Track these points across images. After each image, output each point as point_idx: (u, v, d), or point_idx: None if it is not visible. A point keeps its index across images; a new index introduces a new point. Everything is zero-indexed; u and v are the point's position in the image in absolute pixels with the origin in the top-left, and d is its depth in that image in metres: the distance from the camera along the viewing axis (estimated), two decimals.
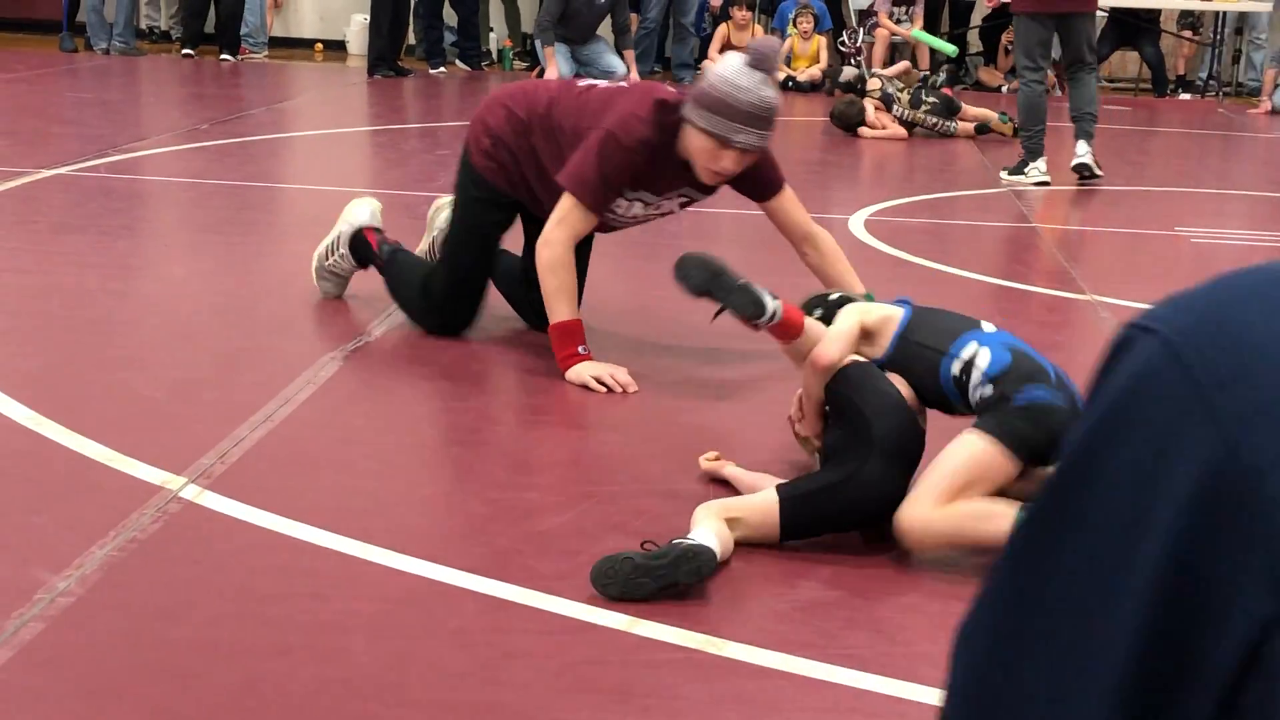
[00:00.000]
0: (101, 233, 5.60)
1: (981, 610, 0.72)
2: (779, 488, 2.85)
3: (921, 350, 2.99)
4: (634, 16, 13.14)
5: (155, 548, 2.75)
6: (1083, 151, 7.71)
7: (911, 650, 2.46)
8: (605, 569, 2.56)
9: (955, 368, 2.93)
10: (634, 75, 12.81)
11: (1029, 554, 0.69)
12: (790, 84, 12.93)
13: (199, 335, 4.25)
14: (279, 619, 2.49)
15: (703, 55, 13.55)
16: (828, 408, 3.01)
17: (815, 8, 13.20)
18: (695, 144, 3.80)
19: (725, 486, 3.12)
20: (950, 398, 2.95)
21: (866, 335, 3.06)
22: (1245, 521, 0.60)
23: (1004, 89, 12.91)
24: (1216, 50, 13.63)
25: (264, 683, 2.27)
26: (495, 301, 4.43)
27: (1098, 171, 7.71)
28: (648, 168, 3.91)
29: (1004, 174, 7.95)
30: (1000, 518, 2.66)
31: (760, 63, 3.70)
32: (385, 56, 12.42)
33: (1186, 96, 13.40)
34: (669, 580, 2.55)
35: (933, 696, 2.30)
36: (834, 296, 3.34)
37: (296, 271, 5.21)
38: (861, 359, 3.00)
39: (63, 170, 6.86)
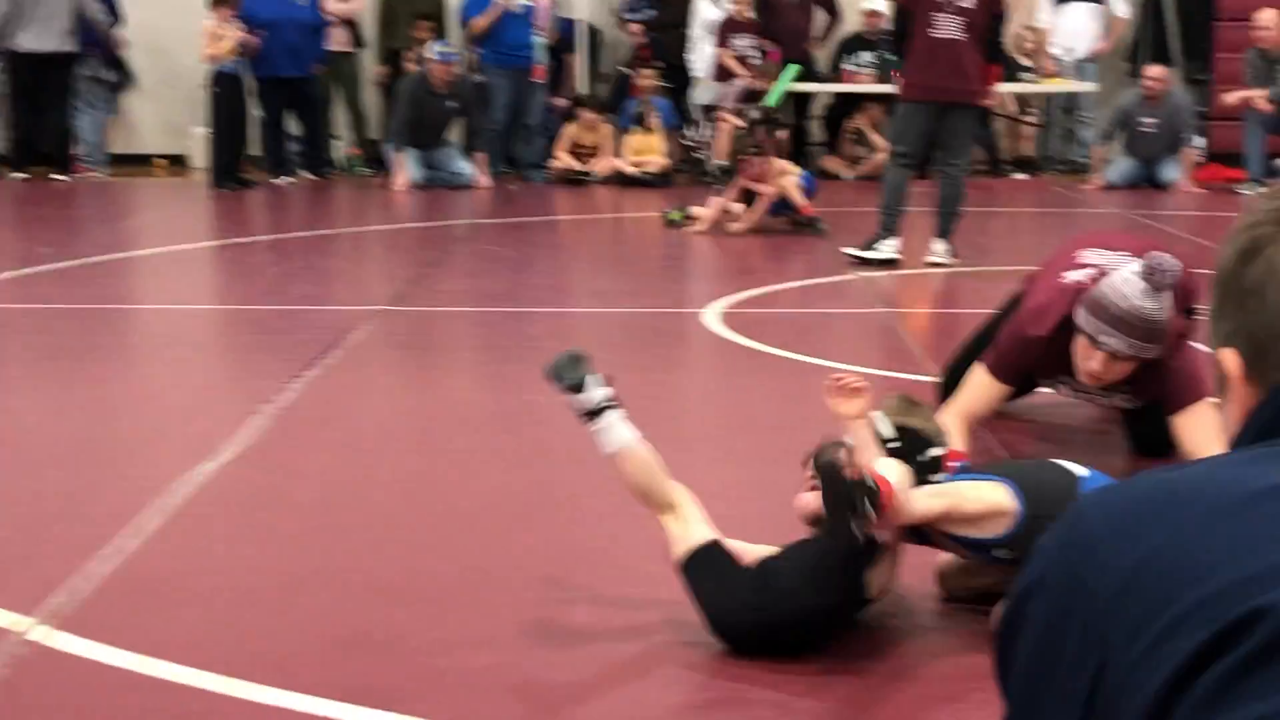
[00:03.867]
0: None
1: None
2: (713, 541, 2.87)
3: (1041, 471, 3.01)
4: None
5: (5, 695, 2.62)
6: (940, 250, 7.82)
7: None
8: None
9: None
10: (484, 178, 12.84)
11: None
12: (642, 178, 13.03)
13: (44, 467, 4.12)
14: None
15: (549, 155, 13.62)
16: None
17: (658, 105, 13.36)
18: (1076, 342, 3.79)
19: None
20: None
21: (969, 519, 2.85)
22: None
23: (847, 176, 13.15)
24: (1047, 131, 14.04)
25: None
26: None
27: (949, 261, 7.84)
28: (1045, 360, 3.98)
29: (849, 250, 7.92)
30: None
31: (1151, 275, 3.58)
32: (228, 169, 12.30)
33: (1021, 176, 13.77)
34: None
35: None
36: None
37: (145, 395, 5.10)
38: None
39: None
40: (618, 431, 2.95)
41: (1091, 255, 4.15)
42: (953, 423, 3.82)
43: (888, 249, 7.83)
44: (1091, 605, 0.96)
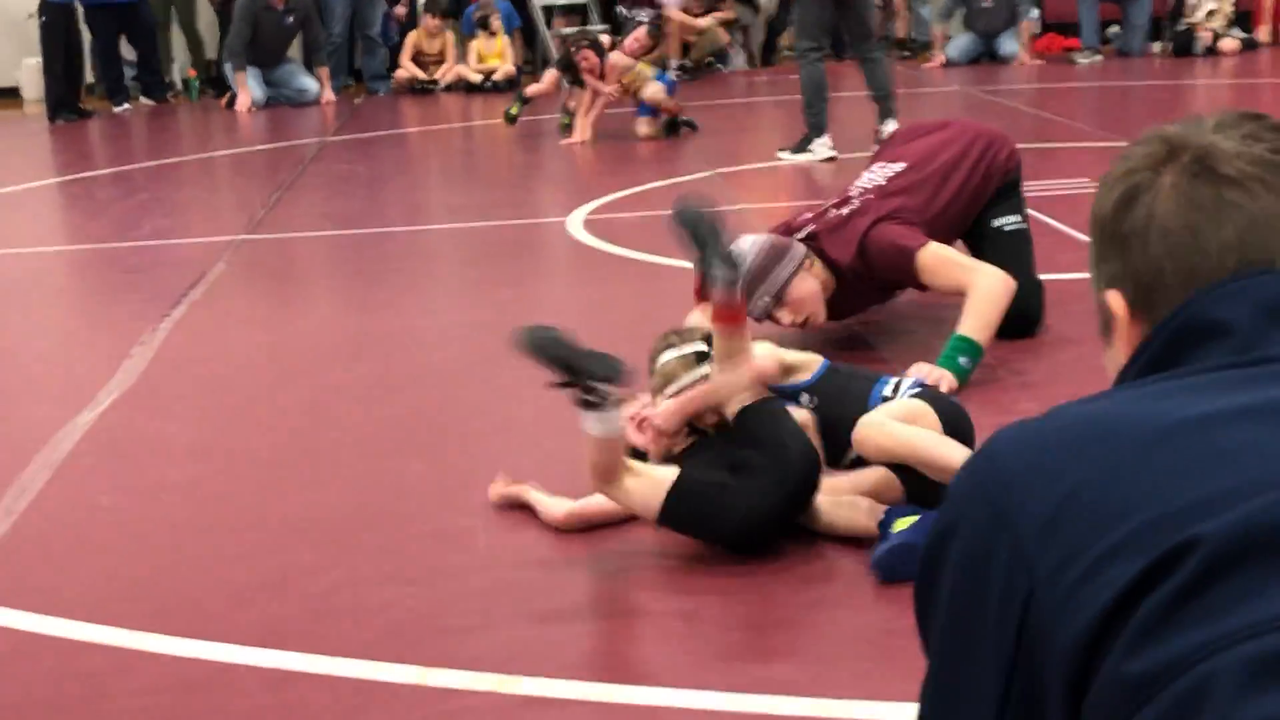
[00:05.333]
0: None
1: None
2: (684, 469, 2.92)
3: (852, 378, 3.24)
4: None
5: None
6: (891, 128, 7.85)
7: (699, 658, 2.53)
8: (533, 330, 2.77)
9: (887, 389, 3.16)
10: (328, 93, 12.65)
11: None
12: (489, 84, 12.94)
13: None
14: None
15: (393, 65, 13.44)
16: (736, 427, 3.02)
17: (500, 8, 13.23)
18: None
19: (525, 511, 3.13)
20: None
21: (787, 369, 3.23)
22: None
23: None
24: (887, 10, 14.17)
25: None
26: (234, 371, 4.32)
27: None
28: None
29: (782, 153, 7.99)
30: (953, 449, 2.83)
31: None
32: (65, 100, 11.97)
33: None
34: (579, 364, 2.72)
35: (722, 700, 2.36)
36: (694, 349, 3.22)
37: (9, 347, 5.02)
38: (777, 398, 3.08)
39: None
40: (613, 421, 2.85)
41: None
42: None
43: (822, 148, 7.89)
44: (1015, 538, 1.00)
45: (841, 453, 3.15)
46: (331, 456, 3.67)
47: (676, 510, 2.87)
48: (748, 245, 3.96)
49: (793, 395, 3.19)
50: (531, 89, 9.61)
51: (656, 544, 3.00)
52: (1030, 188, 6.76)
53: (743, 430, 3.01)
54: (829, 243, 4.19)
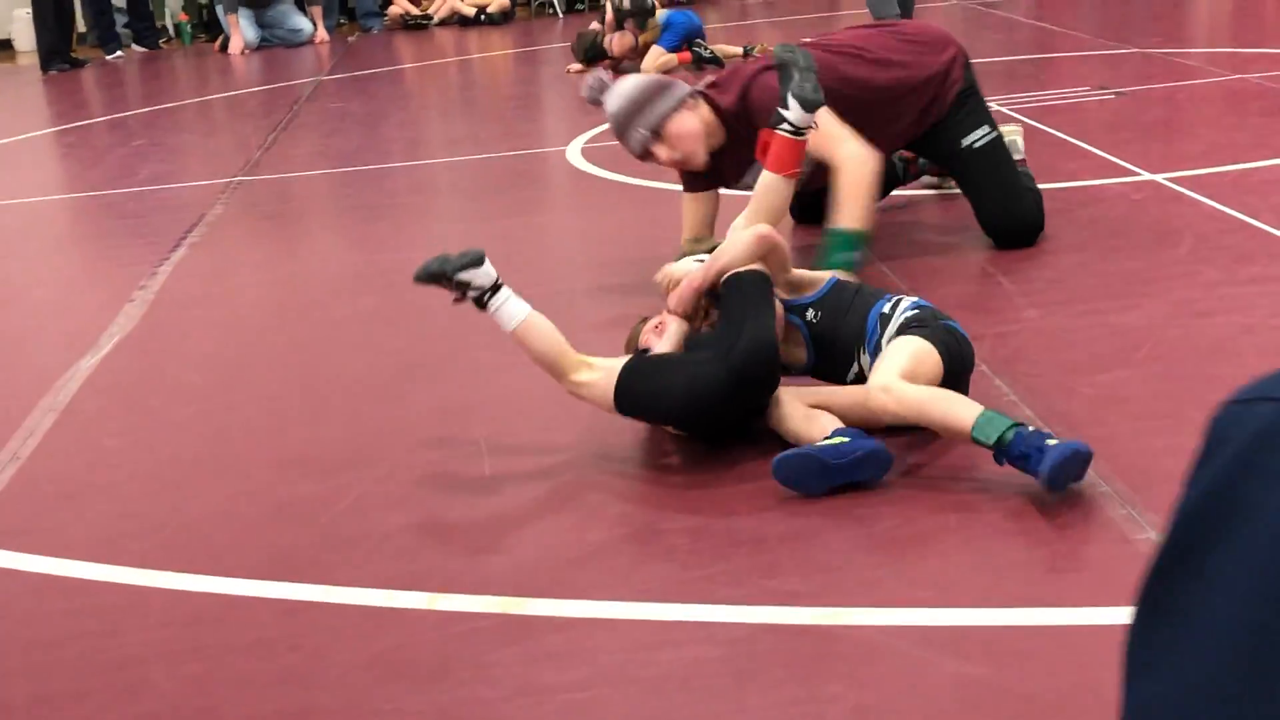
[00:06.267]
0: None
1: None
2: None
3: (856, 294, 3.19)
4: None
5: None
6: None
7: (706, 572, 2.53)
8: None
9: (885, 306, 3.13)
10: (321, 32, 12.57)
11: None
12: (482, 18, 12.85)
13: None
14: (71, 663, 2.43)
15: (387, 2, 13.35)
16: (719, 297, 3.08)
17: None
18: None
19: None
20: (867, 332, 3.09)
21: (799, 282, 3.21)
22: None
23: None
24: None
25: None
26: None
27: None
28: None
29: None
30: (964, 408, 2.76)
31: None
32: (57, 49, 11.91)
33: None
34: (444, 268, 2.95)
35: (731, 613, 2.37)
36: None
37: (12, 295, 5.02)
38: (765, 271, 3.09)
39: None
40: (514, 305, 2.98)
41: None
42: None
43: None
44: None
45: (842, 367, 3.15)
46: (335, 390, 3.67)
47: (628, 391, 2.94)
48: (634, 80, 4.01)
49: (799, 310, 3.19)
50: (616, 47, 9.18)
51: (660, 467, 3.00)
52: (1030, 98, 6.73)
53: (719, 302, 3.06)
54: (720, 88, 4.11)
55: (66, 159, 8.11)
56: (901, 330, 3.04)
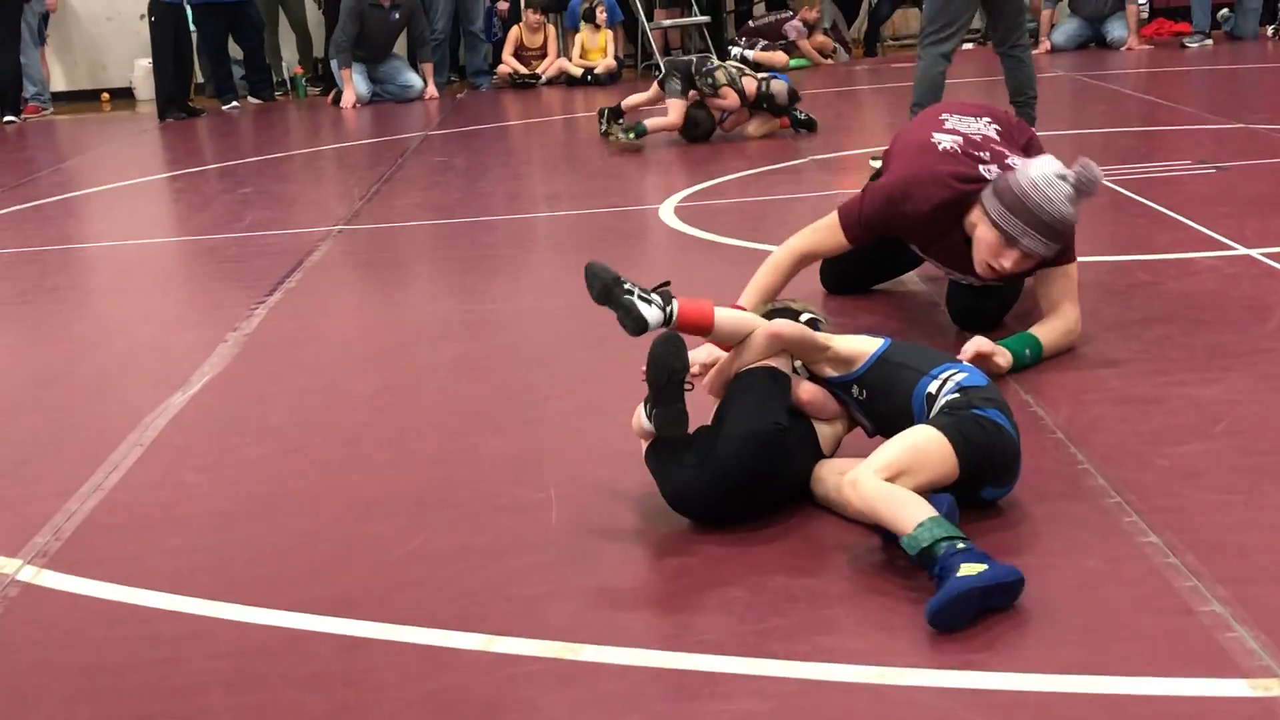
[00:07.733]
0: None
1: None
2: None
3: (900, 369, 3.06)
4: None
5: None
6: None
7: (761, 626, 2.53)
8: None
9: (933, 386, 2.99)
10: (431, 89, 12.79)
11: None
12: (589, 78, 13.01)
13: (18, 410, 4.18)
14: (135, 689, 2.48)
15: (496, 60, 13.55)
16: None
17: (605, 3, 13.29)
18: (983, 234, 3.82)
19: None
20: (914, 414, 2.98)
21: (838, 359, 3.12)
22: None
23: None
24: None
25: None
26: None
27: None
28: (915, 234, 4.07)
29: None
30: (912, 511, 2.65)
31: (1082, 185, 3.71)
32: (175, 99, 12.23)
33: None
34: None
35: (783, 668, 2.37)
36: (805, 318, 3.27)
37: (111, 331, 5.14)
38: (780, 369, 3.06)
39: None
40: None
41: (952, 120, 4.19)
42: (782, 251, 4.10)
43: None
44: None
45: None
46: (413, 434, 3.72)
47: (649, 462, 3.05)
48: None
49: (844, 386, 3.12)
50: (635, 101, 9.24)
51: (725, 521, 3.01)
52: (1131, 170, 6.68)
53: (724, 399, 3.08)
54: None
55: (176, 203, 8.31)
56: (937, 416, 2.93)
